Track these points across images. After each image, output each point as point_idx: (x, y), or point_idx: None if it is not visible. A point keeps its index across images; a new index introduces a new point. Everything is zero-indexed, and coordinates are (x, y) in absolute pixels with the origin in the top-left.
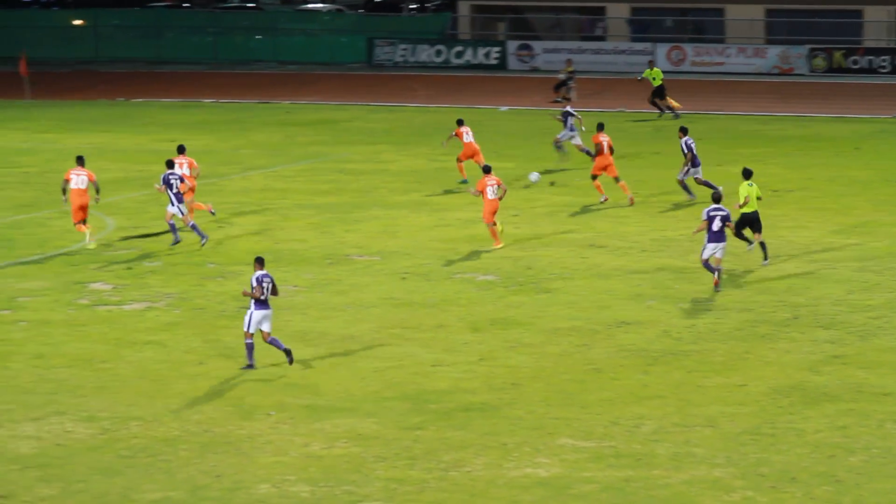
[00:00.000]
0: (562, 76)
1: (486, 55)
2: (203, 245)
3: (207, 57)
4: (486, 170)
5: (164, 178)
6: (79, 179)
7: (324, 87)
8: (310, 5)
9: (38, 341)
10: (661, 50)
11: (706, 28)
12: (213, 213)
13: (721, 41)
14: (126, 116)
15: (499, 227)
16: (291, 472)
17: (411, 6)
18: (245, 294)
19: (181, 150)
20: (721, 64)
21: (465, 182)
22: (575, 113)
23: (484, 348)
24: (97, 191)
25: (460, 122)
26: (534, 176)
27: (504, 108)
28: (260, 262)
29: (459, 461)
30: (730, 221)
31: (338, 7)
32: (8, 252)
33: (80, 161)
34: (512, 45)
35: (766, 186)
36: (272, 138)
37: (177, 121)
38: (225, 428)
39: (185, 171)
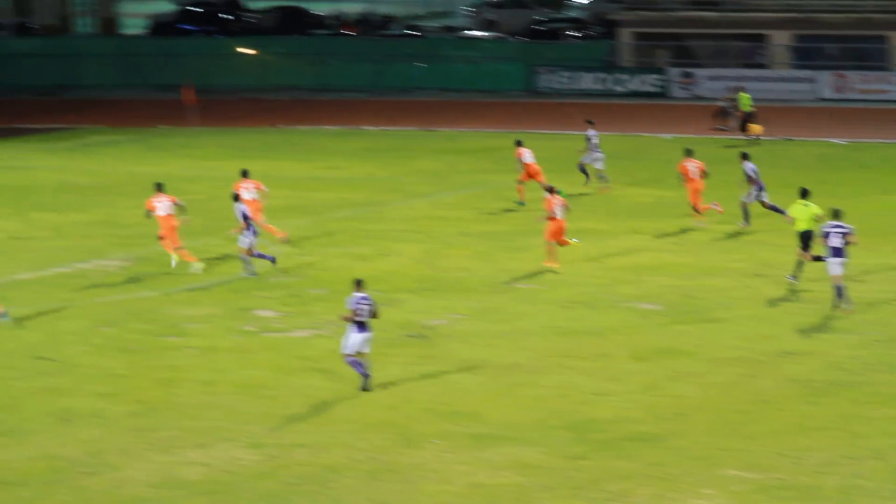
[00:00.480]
0: (722, 104)
1: (648, 83)
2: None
3: (370, 84)
4: (550, 190)
5: (242, 213)
6: (162, 206)
7: (485, 115)
8: (472, 33)
9: (206, 368)
10: (823, 77)
11: (869, 55)
12: (286, 240)
13: (884, 68)
14: (290, 144)
15: (572, 243)
16: (457, 502)
17: (573, 34)
18: (343, 318)
19: (245, 174)
20: (884, 91)
21: (521, 203)
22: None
23: (648, 377)
24: (184, 211)
25: (519, 143)
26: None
27: (667, 136)
28: (358, 283)
29: (624, 491)
30: (851, 236)
31: (500, 35)
32: (174, 279)
33: (159, 188)
34: (674, 73)
35: None
36: (434, 166)
37: (339, 148)
38: (390, 456)
39: (253, 194)
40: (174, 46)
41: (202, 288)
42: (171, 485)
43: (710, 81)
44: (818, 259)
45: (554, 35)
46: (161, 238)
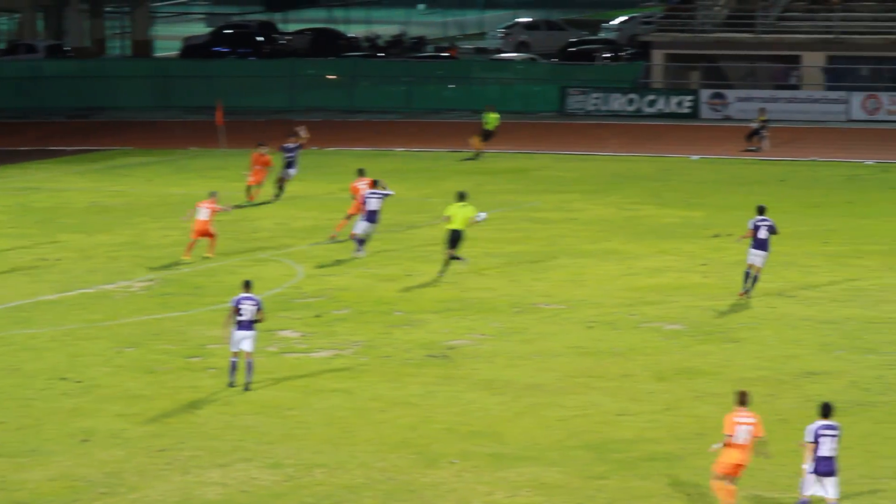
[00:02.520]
0: (755, 125)
1: (679, 104)
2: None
3: (401, 106)
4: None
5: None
6: (202, 211)
7: (516, 136)
8: (504, 55)
9: (227, 388)
10: (856, 98)
11: None
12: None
13: None
14: (319, 165)
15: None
16: None
17: (604, 55)
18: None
19: (361, 172)
20: None
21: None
22: None
23: (669, 398)
24: (227, 211)
25: (360, 172)
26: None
27: (695, 157)
28: (246, 284)
29: None
30: (774, 229)
31: (531, 56)
32: (197, 299)
33: (212, 195)
34: (705, 94)
35: None
36: (462, 187)
37: (368, 169)
38: (409, 476)
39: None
40: (206, 68)
41: (224, 308)
42: None
43: (740, 103)
44: (455, 259)
45: (586, 56)
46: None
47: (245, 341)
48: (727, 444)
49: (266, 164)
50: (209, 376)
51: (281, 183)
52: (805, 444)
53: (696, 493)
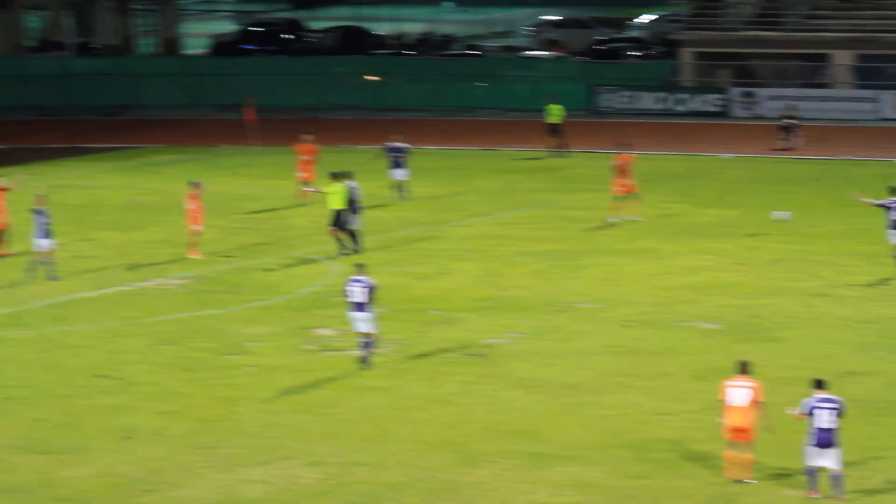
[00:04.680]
0: (783, 122)
1: (709, 102)
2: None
3: (430, 104)
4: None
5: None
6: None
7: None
8: (533, 52)
9: (266, 386)
10: (886, 97)
11: None
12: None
13: None
14: (350, 163)
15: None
16: None
17: (632, 53)
18: None
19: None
20: None
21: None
22: None
23: (709, 397)
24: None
25: None
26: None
27: (727, 156)
28: (357, 267)
29: None
30: None
31: (561, 54)
32: (234, 297)
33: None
34: (735, 92)
35: None
36: (494, 185)
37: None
38: (450, 474)
39: None
40: (235, 66)
41: (263, 306)
42: (232, 503)
43: (771, 101)
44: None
45: (615, 55)
46: None
47: (359, 322)
48: (725, 410)
49: (312, 154)
50: (247, 374)
51: (400, 186)
52: (799, 416)
53: (738, 493)
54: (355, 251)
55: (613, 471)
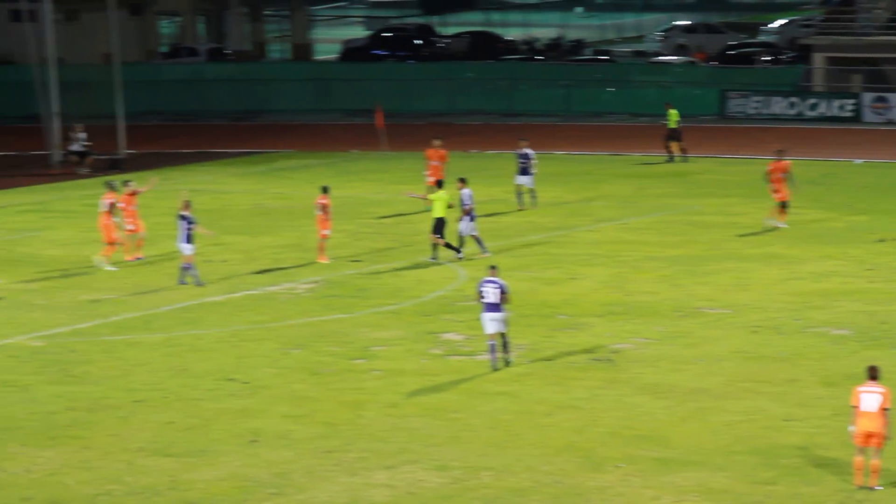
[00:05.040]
0: None
1: (841, 107)
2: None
3: (560, 109)
4: None
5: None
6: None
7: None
8: (663, 58)
9: (392, 390)
10: None
11: None
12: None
13: None
14: (480, 168)
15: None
16: None
17: (764, 58)
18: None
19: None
20: None
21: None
22: None
23: (837, 403)
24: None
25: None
26: None
27: (859, 161)
28: (491, 268)
29: None
30: None
31: (691, 59)
32: (362, 301)
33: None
34: (867, 97)
35: None
36: (623, 190)
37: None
38: (575, 479)
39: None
40: (365, 72)
41: (390, 311)
42: None
43: None
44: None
45: (747, 60)
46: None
47: (493, 323)
48: (856, 416)
49: (442, 159)
50: (373, 378)
51: (525, 192)
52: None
53: (867, 500)
54: (483, 254)
55: (739, 476)
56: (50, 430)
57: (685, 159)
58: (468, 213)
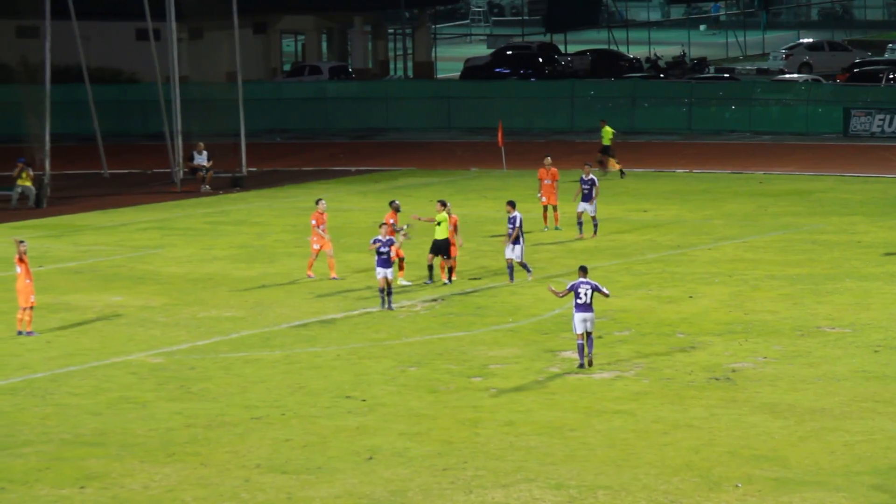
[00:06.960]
0: None
1: None
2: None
3: (681, 127)
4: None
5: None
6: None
7: (798, 158)
8: (786, 76)
9: (509, 408)
10: None
11: None
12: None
13: None
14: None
15: None
16: None
17: (892, 76)
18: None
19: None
20: None
21: None
22: None
23: None
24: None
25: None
26: None
27: None
28: (582, 270)
29: None
30: None
31: (815, 77)
32: (480, 319)
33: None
34: None
35: None
36: (744, 209)
37: (647, 190)
38: (692, 499)
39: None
40: (486, 90)
41: (509, 329)
42: None
43: None
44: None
45: (872, 77)
46: None
47: (583, 323)
48: None
49: (554, 178)
50: (490, 396)
51: (585, 220)
52: None
53: None
54: (528, 275)
55: (858, 497)
56: (168, 446)
57: (622, 174)
58: (516, 239)
